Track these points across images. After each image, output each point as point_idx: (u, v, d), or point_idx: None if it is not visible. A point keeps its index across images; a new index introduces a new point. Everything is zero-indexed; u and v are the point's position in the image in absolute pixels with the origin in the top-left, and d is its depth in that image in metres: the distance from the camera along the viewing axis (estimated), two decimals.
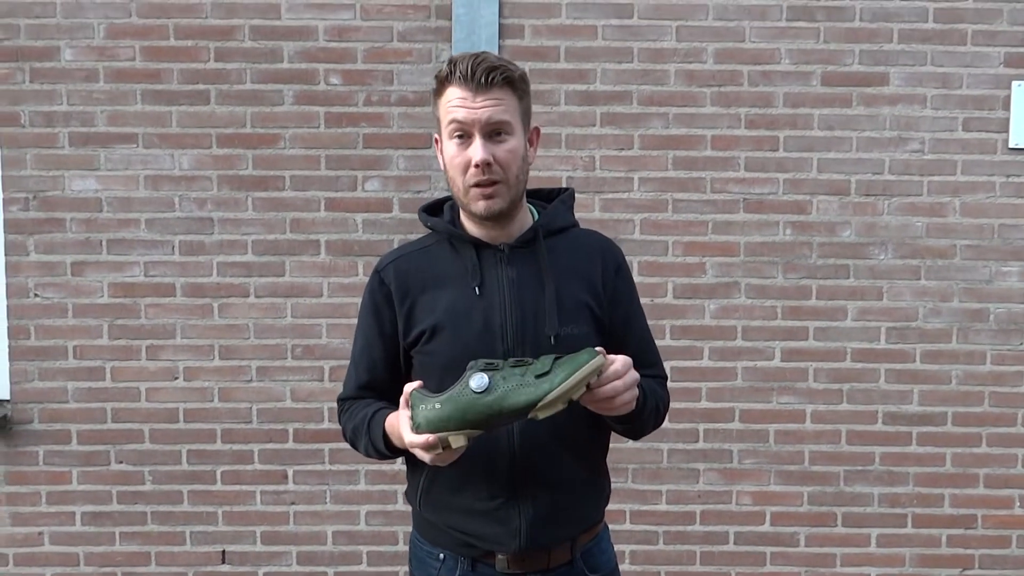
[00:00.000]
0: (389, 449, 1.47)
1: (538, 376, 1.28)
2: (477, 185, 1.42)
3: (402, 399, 1.35)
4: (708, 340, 2.88)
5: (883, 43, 2.81)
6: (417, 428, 1.31)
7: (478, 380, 1.28)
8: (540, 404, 1.27)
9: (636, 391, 1.36)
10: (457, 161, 1.42)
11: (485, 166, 1.40)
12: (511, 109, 1.43)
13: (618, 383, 1.32)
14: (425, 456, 1.32)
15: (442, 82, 1.43)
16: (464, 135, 1.42)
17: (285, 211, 2.84)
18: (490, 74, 1.39)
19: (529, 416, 1.29)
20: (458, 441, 1.30)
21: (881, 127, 2.83)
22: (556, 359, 1.30)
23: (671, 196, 2.85)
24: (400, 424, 1.35)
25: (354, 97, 2.82)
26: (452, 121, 1.41)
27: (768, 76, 2.82)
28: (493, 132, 1.41)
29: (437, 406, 1.28)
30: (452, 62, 1.41)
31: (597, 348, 1.33)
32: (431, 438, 1.28)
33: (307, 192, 2.84)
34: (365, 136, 2.83)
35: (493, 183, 1.42)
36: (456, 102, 1.40)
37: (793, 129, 2.83)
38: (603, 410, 1.36)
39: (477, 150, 1.40)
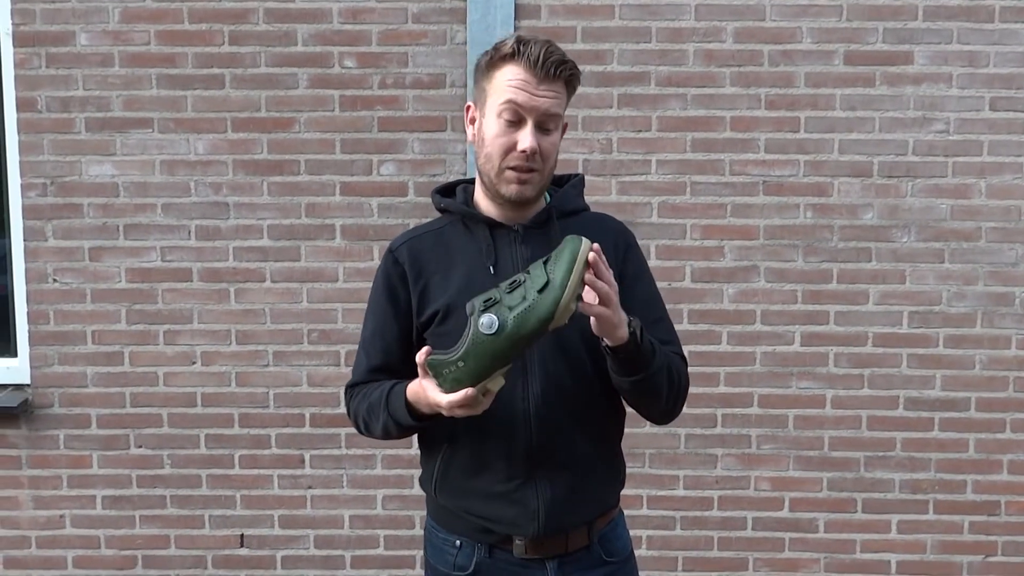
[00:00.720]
0: (415, 418, 1.43)
1: (540, 291, 1.25)
2: (515, 169, 1.41)
3: (419, 370, 1.34)
4: (727, 325, 2.85)
5: (907, 20, 2.75)
6: (451, 392, 1.30)
7: (487, 321, 1.25)
8: (556, 315, 1.25)
9: (622, 315, 1.31)
10: (501, 141, 1.41)
11: (532, 154, 1.40)
12: (563, 104, 1.44)
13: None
14: (468, 412, 1.31)
15: (504, 57, 1.40)
16: (516, 118, 1.40)
17: (300, 196, 2.84)
18: (559, 67, 1.39)
19: (550, 328, 1.26)
20: (497, 383, 1.29)
21: (905, 107, 2.77)
22: (545, 263, 1.27)
23: (689, 179, 2.81)
24: (429, 392, 1.33)
25: (369, 80, 2.79)
26: (509, 101, 1.39)
27: (789, 55, 2.77)
28: (544, 123, 1.41)
29: (460, 364, 1.27)
30: (521, 42, 1.40)
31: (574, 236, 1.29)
32: (471, 391, 1.27)
33: (322, 176, 2.83)
34: (380, 119, 2.81)
35: (530, 171, 1.42)
36: (518, 83, 1.39)
37: (814, 110, 2.78)
38: (598, 312, 1.30)
39: (527, 137, 1.39)
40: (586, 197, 1.62)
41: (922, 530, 2.91)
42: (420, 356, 1.32)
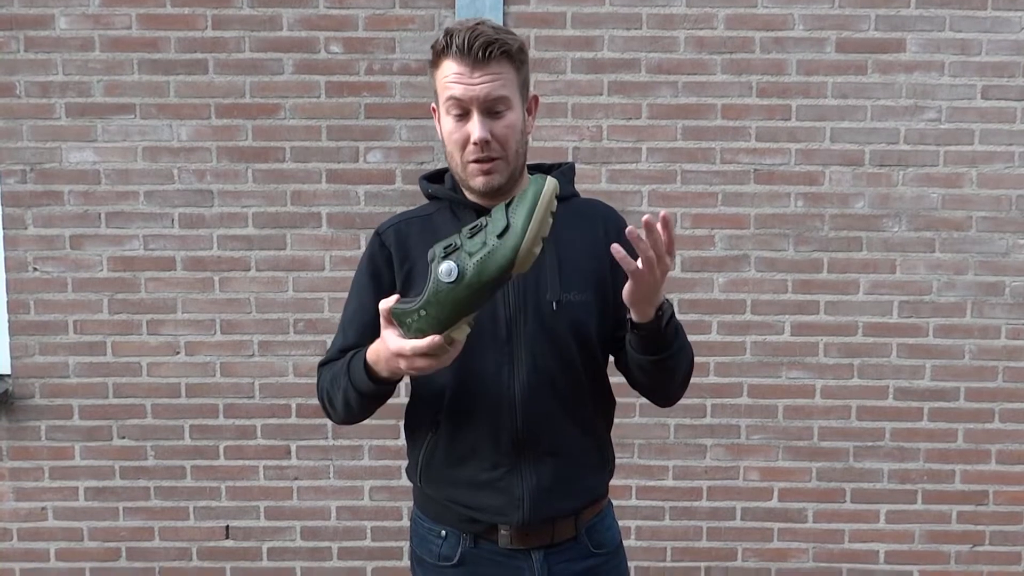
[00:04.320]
0: (373, 381, 1.37)
1: (500, 236, 1.20)
2: (476, 161, 1.40)
3: (382, 319, 1.28)
4: (717, 314, 2.83)
5: (900, 8, 2.72)
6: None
7: (446, 269, 1.20)
8: (517, 262, 1.20)
9: (660, 294, 1.30)
10: (455, 137, 1.40)
11: (484, 144, 1.37)
12: (509, 83, 1.39)
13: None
14: (432, 362, 1.25)
15: (438, 54, 1.39)
16: (462, 111, 1.38)
17: (286, 183, 2.79)
18: (488, 48, 1.34)
19: (513, 274, 1.21)
20: (461, 333, 1.24)
21: (897, 95, 2.75)
22: (507, 206, 1.22)
23: (680, 167, 2.79)
24: (390, 342, 1.27)
25: (355, 66, 2.75)
26: (449, 98, 1.37)
27: (780, 43, 2.74)
28: (491, 108, 1.38)
29: (423, 312, 1.22)
30: (448, 34, 1.37)
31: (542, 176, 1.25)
32: (436, 339, 1.21)
33: (308, 163, 2.79)
34: (367, 106, 2.77)
35: (491, 159, 1.39)
36: (453, 77, 1.36)
37: (806, 97, 2.76)
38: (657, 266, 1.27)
39: (475, 128, 1.37)
40: (576, 185, 1.60)
41: (910, 520, 2.91)
42: (384, 304, 1.27)
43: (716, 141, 2.78)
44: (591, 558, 1.54)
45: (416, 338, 1.23)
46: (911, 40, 2.73)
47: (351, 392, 1.42)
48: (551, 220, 1.21)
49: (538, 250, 1.21)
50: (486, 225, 1.22)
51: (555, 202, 1.21)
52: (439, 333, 1.22)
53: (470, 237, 1.22)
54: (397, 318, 1.25)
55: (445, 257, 1.21)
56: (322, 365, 1.53)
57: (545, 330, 1.43)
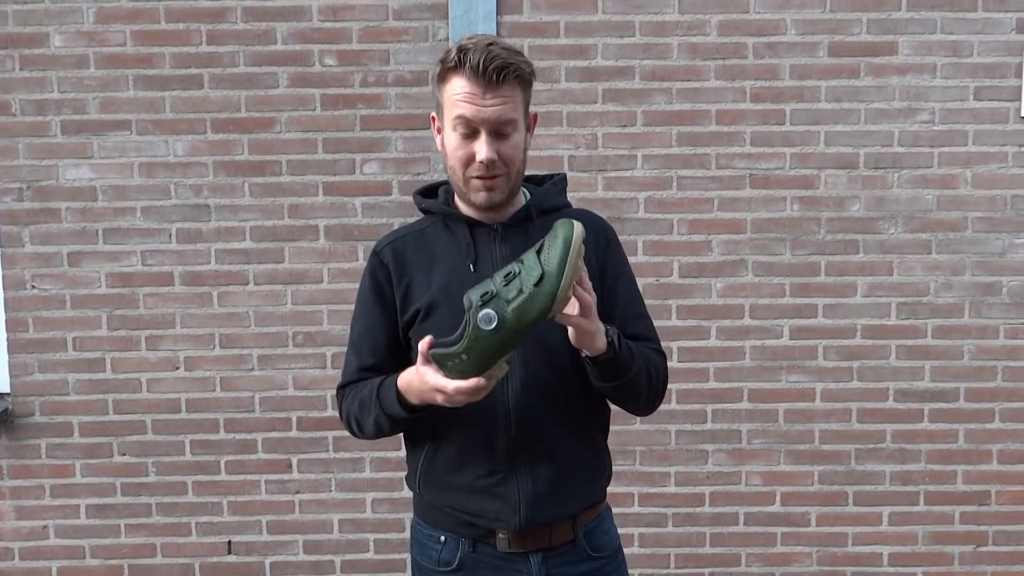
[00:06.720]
0: (406, 409, 1.43)
1: (536, 284, 1.24)
2: (479, 178, 1.41)
3: (420, 357, 1.33)
4: (715, 319, 2.84)
5: (891, 11, 2.74)
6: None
7: (486, 317, 1.25)
8: (554, 307, 1.25)
9: (600, 324, 1.33)
10: (460, 154, 1.41)
11: (491, 164, 1.39)
12: (518, 105, 1.41)
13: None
14: (472, 399, 1.31)
15: (449, 69, 1.39)
16: (469, 131, 1.39)
17: (283, 196, 2.80)
18: (502, 72, 1.36)
19: (549, 317, 1.26)
20: (500, 371, 1.30)
21: (890, 98, 2.77)
22: (538, 253, 1.26)
23: (675, 173, 2.79)
24: (429, 378, 1.32)
25: (350, 78, 2.76)
26: (459, 116, 1.38)
27: (773, 48, 2.75)
28: (500, 130, 1.39)
29: (464, 357, 1.27)
30: (462, 51, 1.37)
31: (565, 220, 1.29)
32: (481, 381, 1.27)
33: (305, 176, 2.79)
34: (362, 118, 2.77)
35: (494, 176, 1.41)
36: (463, 96, 1.37)
37: (800, 102, 2.77)
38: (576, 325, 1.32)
39: (483, 148, 1.38)
40: (572, 193, 1.62)
41: (913, 521, 2.91)
42: (423, 344, 1.32)
43: (711, 147, 2.78)
44: (589, 561, 1.55)
45: (457, 379, 1.28)
46: (903, 43, 2.75)
47: (383, 418, 1.47)
48: (582, 263, 1.26)
49: (571, 294, 1.26)
50: (519, 272, 1.26)
51: (583, 247, 1.25)
52: (479, 375, 1.27)
53: (505, 284, 1.26)
54: (437, 361, 1.30)
55: (483, 305, 1.25)
56: (342, 387, 1.57)
57: (537, 338, 1.44)
